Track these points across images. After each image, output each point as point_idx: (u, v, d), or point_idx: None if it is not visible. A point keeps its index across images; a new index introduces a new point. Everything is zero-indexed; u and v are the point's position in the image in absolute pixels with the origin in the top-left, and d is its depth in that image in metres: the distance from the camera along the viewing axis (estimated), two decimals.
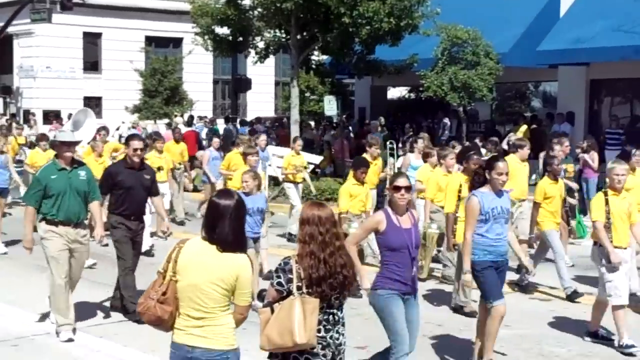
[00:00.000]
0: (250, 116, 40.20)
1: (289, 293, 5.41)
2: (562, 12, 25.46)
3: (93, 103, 41.33)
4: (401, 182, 7.43)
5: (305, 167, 18.35)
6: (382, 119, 28.21)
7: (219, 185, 17.33)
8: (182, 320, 5.29)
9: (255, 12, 26.28)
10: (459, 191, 10.80)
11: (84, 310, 10.62)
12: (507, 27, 25.73)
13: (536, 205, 11.98)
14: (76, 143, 10.19)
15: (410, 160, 16.78)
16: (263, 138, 19.08)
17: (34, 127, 34.13)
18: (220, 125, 33.61)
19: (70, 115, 35.22)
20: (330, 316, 5.55)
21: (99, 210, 10.02)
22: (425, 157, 14.80)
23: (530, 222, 12.18)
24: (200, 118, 34.04)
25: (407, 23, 24.70)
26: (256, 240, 11.12)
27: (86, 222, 9.96)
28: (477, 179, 8.68)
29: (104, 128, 19.71)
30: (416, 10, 25.00)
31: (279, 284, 5.44)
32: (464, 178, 10.80)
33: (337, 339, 5.61)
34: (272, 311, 5.46)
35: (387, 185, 13.15)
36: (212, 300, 5.19)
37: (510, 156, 13.07)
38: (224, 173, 16.98)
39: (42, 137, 18.59)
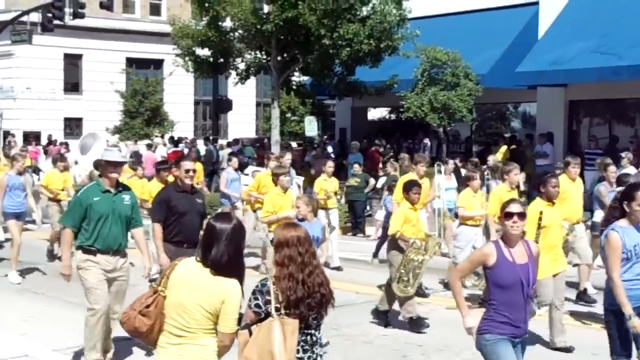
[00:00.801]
0: (231, 137, 40.22)
1: (267, 315, 5.40)
2: (540, 34, 25.66)
3: (74, 124, 41.33)
4: (514, 208, 6.57)
5: (336, 193, 17.17)
6: (358, 144, 28.16)
7: (239, 208, 16.59)
8: (164, 337, 5.31)
9: (236, 34, 26.39)
10: (539, 219, 9.87)
11: (61, 332, 10.56)
12: (486, 48, 25.93)
13: None
14: (123, 163, 9.35)
15: (439, 181, 16.39)
16: (288, 157, 18.03)
17: (14, 148, 33.98)
18: (200, 146, 33.56)
19: (50, 135, 35.16)
20: (308, 337, 5.55)
21: (143, 239, 9.23)
22: (467, 180, 13.60)
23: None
24: (181, 139, 34.01)
25: (387, 45, 24.90)
26: None
27: (126, 250, 9.13)
28: (614, 212, 7.65)
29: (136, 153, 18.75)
30: (396, 32, 25.21)
31: (257, 305, 5.44)
32: (544, 204, 10.08)
33: (315, 359, 5.62)
34: (250, 333, 5.46)
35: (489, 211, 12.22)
36: (195, 321, 5.19)
37: (562, 175, 12.43)
38: (254, 196, 15.70)
39: (60, 157, 17.68)
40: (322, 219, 11.60)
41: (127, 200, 8.92)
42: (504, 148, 25.78)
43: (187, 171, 9.76)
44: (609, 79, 22.45)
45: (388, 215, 15.61)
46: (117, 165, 8.83)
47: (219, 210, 20.84)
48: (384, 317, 11.30)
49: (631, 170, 18.13)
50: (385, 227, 15.47)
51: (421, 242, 11.06)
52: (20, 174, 14.74)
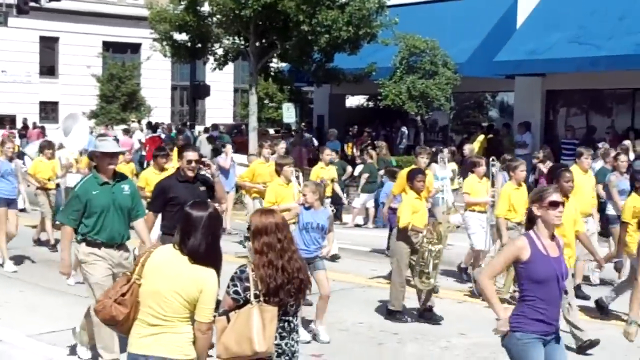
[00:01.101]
0: (208, 123, 40.09)
1: (246, 301, 5.38)
2: (518, 24, 25.73)
3: (49, 108, 41.05)
4: (558, 197, 6.21)
5: (334, 180, 16.84)
6: (336, 131, 28.06)
7: (230, 198, 16.08)
8: (138, 327, 5.26)
9: (214, 19, 26.24)
10: None
11: (36, 317, 10.50)
12: (464, 37, 25.95)
13: (624, 225, 10.85)
14: (120, 153, 8.91)
15: (435, 170, 16.06)
16: (282, 145, 17.55)
17: None
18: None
19: (30, 124, 34.81)
20: (286, 323, 5.54)
21: (146, 229, 8.81)
22: (473, 166, 13.28)
23: (617, 244, 11.34)
24: (158, 125, 33.84)
25: (365, 32, 24.84)
26: (311, 261, 9.59)
27: (128, 243, 8.73)
28: None
29: (116, 139, 17.73)
30: (375, 19, 25.15)
31: (236, 292, 5.41)
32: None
33: (292, 346, 5.61)
34: (228, 320, 5.43)
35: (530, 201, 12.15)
36: (171, 309, 5.16)
37: (573, 167, 12.36)
38: (248, 186, 15.38)
39: (47, 144, 16.84)
40: (328, 207, 11.38)
41: (127, 190, 8.49)
42: (481, 137, 25.86)
43: (190, 162, 9.31)
44: (586, 70, 22.57)
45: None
46: (113, 156, 8.42)
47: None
48: (400, 315, 10.92)
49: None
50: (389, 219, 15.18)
51: (431, 231, 10.94)
52: (10, 159, 14.29)
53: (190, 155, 9.39)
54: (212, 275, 5.21)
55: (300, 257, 5.64)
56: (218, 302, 5.58)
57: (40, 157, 16.23)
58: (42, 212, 15.75)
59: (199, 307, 5.16)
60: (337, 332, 10.21)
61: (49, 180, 15.67)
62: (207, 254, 5.20)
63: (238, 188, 19.27)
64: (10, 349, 9.38)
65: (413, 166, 13.34)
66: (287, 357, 5.58)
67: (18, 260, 14.39)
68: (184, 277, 5.15)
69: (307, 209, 9.91)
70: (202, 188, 9.44)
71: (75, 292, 11.61)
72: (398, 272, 10.93)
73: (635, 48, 21.57)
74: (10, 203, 14.03)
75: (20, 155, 23.26)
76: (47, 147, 16.40)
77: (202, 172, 9.74)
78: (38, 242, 16.06)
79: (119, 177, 8.55)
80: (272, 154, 15.96)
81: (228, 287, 5.48)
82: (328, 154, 16.81)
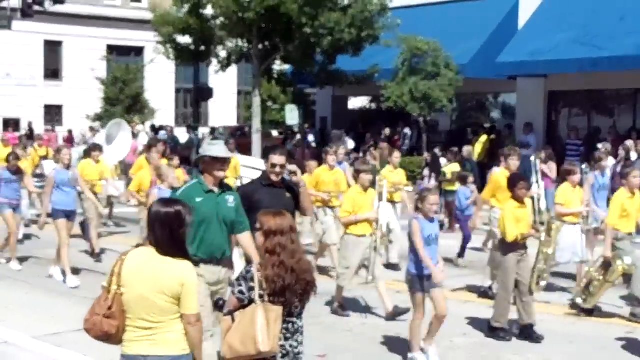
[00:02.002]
0: (212, 125, 40.18)
1: (251, 301, 5.43)
2: (520, 25, 25.78)
3: (54, 111, 41.16)
4: None
5: (407, 185, 15.84)
6: (338, 132, 28.07)
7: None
8: (131, 332, 5.24)
9: (217, 22, 26.34)
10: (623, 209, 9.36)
11: (41, 319, 10.57)
12: (466, 39, 26.00)
13: None
14: (229, 160, 8.06)
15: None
16: (342, 151, 16.44)
17: None
18: (183, 134, 33.48)
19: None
20: (290, 325, 5.58)
21: (252, 244, 7.49)
22: (567, 174, 12.23)
23: None
24: (162, 127, 33.93)
25: (368, 34, 24.94)
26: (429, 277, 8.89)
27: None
28: None
29: (158, 140, 17.14)
30: (377, 21, 25.24)
31: (241, 292, 5.46)
32: (626, 194, 9.88)
33: (296, 347, 5.65)
34: (233, 320, 5.48)
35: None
36: (159, 310, 5.14)
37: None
38: (312, 194, 13.16)
39: (94, 147, 15.99)
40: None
41: (232, 202, 7.75)
42: (483, 138, 25.91)
43: (274, 166, 8.47)
44: (588, 70, 22.61)
45: (462, 209, 15.16)
46: (224, 162, 7.69)
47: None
48: (505, 334, 10.10)
49: (609, 161, 18.30)
50: (460, 226, 14.93)
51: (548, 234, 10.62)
52: (67, 167, 13.38)
53: (276, 159, 8.50)
54: (190, 267, 5.20)
55: (307, 259, 5.71)
56: (224, 302, 5.64)
57: (87, 160, 15.49)
58: (88, 219, 14.99)
59: (183, 300, 5.12)
60: (340, 333, 10.27)
61: (95, 184, 15.20)
62: (176, 248, 5.18)
63: None
64: (16, 351, 9.43)
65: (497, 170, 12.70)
66: (290, 359, 5.62)
67: (22, 260, 14.49)
68: (163, 276, 5.13)
69: (432, 220, 9.00)
70: (288, 195, 8.65)
71: (81, 294, 11.69)
72: (504, 287, 10.14)
73: (636, 48, 21.61)
74: (69, 215, 13.13)
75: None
76: (94, 150, 15.73)
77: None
78: (94, 255, 15.04)
79: (225, 187, 7.84)
80: (337, 162, 15.04)
81: (233, 287, 5.53)
82: (397, 156, 15.44)
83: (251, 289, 5.44)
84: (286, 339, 5.57)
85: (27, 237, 17.06)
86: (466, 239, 14.77)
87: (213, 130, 32.89)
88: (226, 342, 5.43)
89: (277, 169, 8.48)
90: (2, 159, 16.17)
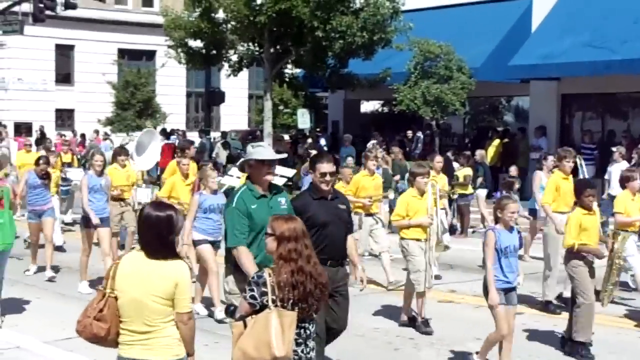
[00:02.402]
0: (223, 129, 40.18)
1: (263, 307, 5.38)
2: (533, 27, 25.67)
3: (65, 115, 41.22)
4: None
5: (453, 193, 15.54)
6: (351, 136, 27.96)
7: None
8: (126, 336, 5.29)
9: (229, 26, 26.34)
10: None
11: (53, 324, 10.54)
12: (479, 42, 25.91)
13: None
14: (276, 162, 7.71)
15: (541, 179, 14.58)
16: (439, 159, 15.56)
17: (5, 140, 33.86)
18: (195, 138, 33.46)
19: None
20: (302, 330, 5.54)
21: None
22: (626, 181, 11.60)
23: None
24: (173, 131, 33.93)
25: (380, 37, 24.89)
26: (508, 291, 8.58)
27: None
28: None
29: (190, 142, 16.19)
30: (389, 24, 25.19)
31: (252, 297, 5.42)
32: None
33: (308, 353, 5.60)
34: (245, 325, 5.43)
35: None
36: (154, 313, 5.19)
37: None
38: (352, 200, 12.70)
39: (120, 151, 15.39)
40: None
41: (284, 204, 7.44)
42: (496, 142, 25.81)
43: (323, 175, 7.92)
44: (601, 73, 22.49)
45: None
46: (271, 165, 7.39)
47: None
48: (586, 352, 9.49)
49: (623, 164, 18.21)
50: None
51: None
52: (100, 173, 13.05)
53: (325, 167, 7.96)
54: (183, 266, 5.25)
55: (318, 262, 5.64)
56: (235, 308, 5.59)
57: (114, 165, 14.79)
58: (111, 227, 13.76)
59: (177, 299, 5.19)
60: (353, 338, 10.19)
61: (124, 189, 14.38)
62: (158, 249, 5.21)
63: None
64: (28, 356, 9.42)
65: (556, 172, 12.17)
66: None
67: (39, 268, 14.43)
68: (157, 277, 5.18)
69: (511, 230, 8.53)
70: (342, 206, 8.18)
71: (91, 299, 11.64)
72: (583, 295, 9.51)
73: None
74: (104, 221, 12.80)
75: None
76: (119, 154, 15.00)
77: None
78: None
79: (275, 189, 7.52)
80: (377, 167, 14.94)
81: (245, 292, 5.48)
82: (438, 161, 15.09)
83: (263, 294, 5.39)
84: (298, 345, 5.53)
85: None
86: None
87: (225, 135, 32.85)
88: (239, 347, 5.39)
89: (327, 178, 7.95)
90: (25, 165, 15.93)
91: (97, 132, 33.09)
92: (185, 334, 5.26)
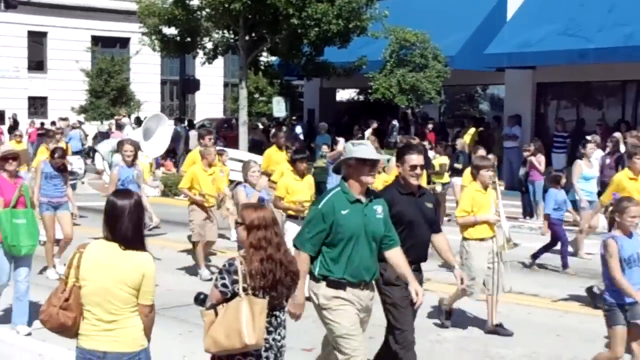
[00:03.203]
0: (198, 117, 40.00)
1: (234, 295, 5.35)
2: (508, 16, 25.70)
3: (38, 103, 40.90)
4: None
5: (434, 183, 14.79)
6: (326, 125, 27.88)
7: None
8: (89, 325, 5.24)
9: (203, 13, 26.14)
10: None
11: (32, 314, 10.41)
12: (454, 30, 25.93)
13: None
14: (378, 162, 6.77)
15: (582, 169, 14.14)
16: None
17: None
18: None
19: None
20: (273, 318, 5.50)
21: (405, 262, 6.67)
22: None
23: None
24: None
25: (355, 25, 24.80)
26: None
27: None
28: None
29: (209, 132, 15.68)
30: (365, 12, 25.12)
31: (224, 285, 5.37)
32: None
33: (279, 341, 5.58)
34: (216, 313, 5.39)
35: None
36: (121, 301, 5.16)
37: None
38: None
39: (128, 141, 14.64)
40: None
41: (380, 212, 6.59)
42: (472, 130, 25.84)
43: (414, 167, 7.17)
44: (576, 62, 22.57)
45: (556, 209, 13.62)
46: (374, 165, 6.53)
47: None
48: None
49: (598, 153, 18.26)
50: (554, 230, 13.53)
51: None
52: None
53: (415, 159, 7.20)
54: (150, 259, 5.24)
55: (289, 250, 5.61)
56: (205, 297, 5.53)
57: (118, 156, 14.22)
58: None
59: (142, 291, 5.18)
60: None
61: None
62: (135, 239, 5.20)
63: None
64: (1, 345, 9.30)
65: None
66: (274, 352, 5.54)
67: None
68: (124, 267, 5.15)
69: (630, 236, 7.50)
70: (429, 204, 7.50)
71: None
72: None
73: (624, 40, 21.58)
74: None
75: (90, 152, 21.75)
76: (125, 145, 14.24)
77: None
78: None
79: (372, 194, 6.66)
80: None
81: (216, 280, 5.43)
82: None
83: (234, 282, 5.35)
84: (269, 333, 5.49)
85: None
86: (564, 244, 13.57)
87: (191, 124, 32.46)
88: (210, 335, 5.34)
89: (418, 171, 7.20)
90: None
91: (64, 119, 32.83)
92: (146, 325, 5.28)
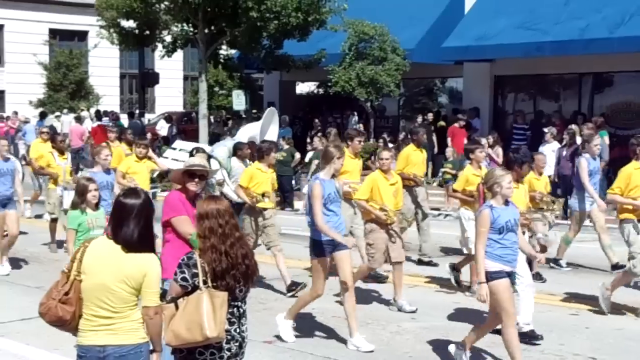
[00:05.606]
0: (158, 111, 39.77)
1: (194, 288, 5.38)
2: (466, 9, 25.88)
3: None
4: None
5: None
6: (287, 118, 27.85)
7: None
8: (87, 321, 5.21)
9: (162, 5, 26.03)
10: None
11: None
12: (413, 23, 26.03)
13: None
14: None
15: (588, 164, 13.62)
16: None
17: None
18: (124, 120, 33.06)
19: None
20: (235, 309, 5.54)
21: None
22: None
23: None
24: (106, 113, 33.46)
25: (314, 18, 24.83)
26: None
27: None
28: None
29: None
30: (324, 5, 25.16)
31: (184, 279, 5.40)
32: None
33: (242, 332, 5.61)
34: (177, 307, 5.42)
35: None
36: (120, 300, 5.13)
37: None
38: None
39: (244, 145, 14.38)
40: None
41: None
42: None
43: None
44: (533, 55, 22.79)
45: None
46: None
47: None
48: None
49: (555, 145, 18.49)
50: None
51: None
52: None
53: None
54: (154, 259, 5.22)
55: (246, 244, 5.63)
56: (165, 292, 5.57)
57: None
58: None
59: (144, 291, 5.15)
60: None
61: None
62: (140, 241, 5.18)
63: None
64: None
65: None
66: (237, 343, 5.56)
67: (33, 267, 13.52)
68: (126, 265, 5.13)
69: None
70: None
71: (25, 284, 11.47)
72: None
73: (579, 33, 21.84)
74: None
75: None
76: (242, 149, 13.93)
77: None
78: None
79: None
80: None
81: (175, 274, 5.46)
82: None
83: (194, 275, 5.38)
84: (231, 324, 5.52)
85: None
86: None
87: (132, 115, 31.99)
88: (171, 329, 5.37)
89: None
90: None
91: (16, 113, 32.52)
92: (151, 329, 5.21)
